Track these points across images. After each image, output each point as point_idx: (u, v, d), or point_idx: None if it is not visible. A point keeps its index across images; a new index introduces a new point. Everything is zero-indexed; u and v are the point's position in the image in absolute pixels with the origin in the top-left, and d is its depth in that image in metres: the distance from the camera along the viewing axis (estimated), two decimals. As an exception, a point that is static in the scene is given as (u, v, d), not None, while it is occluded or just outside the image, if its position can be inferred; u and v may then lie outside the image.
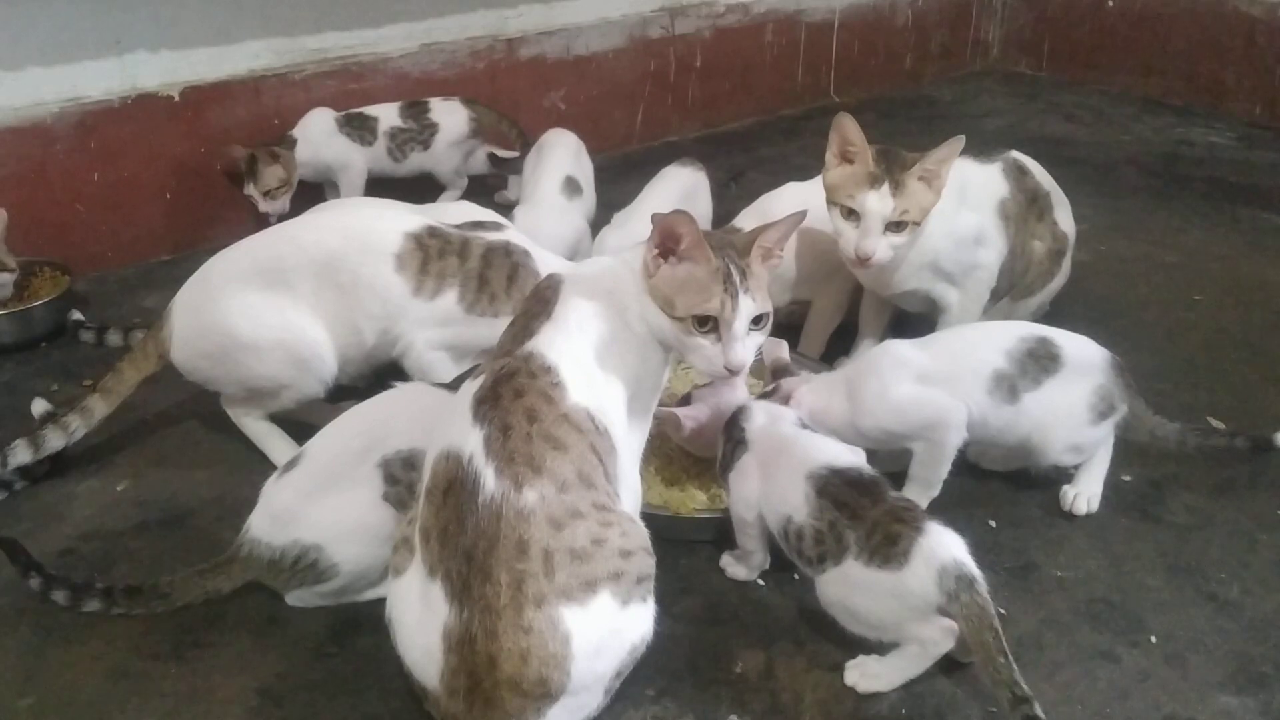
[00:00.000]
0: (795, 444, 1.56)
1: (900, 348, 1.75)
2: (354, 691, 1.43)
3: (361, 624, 1.53)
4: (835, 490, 1.46)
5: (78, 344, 2.29)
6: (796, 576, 1.61)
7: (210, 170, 2.70)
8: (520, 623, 1.21)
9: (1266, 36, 3.64)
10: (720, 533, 1.67)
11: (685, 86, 3.60)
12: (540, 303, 1.41)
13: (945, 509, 1.68)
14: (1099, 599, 1.59)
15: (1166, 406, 1.90)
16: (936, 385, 1.68)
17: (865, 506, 1.43)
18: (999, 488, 1.80)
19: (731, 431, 1.63)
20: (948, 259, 1.99)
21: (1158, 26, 3.92)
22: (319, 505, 1.49)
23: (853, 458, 1.54)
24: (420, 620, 1.28)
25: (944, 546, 1.37)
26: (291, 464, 1.55)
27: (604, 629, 1.26)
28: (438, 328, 1.83)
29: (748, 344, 1.38)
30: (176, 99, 2.66)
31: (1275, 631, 1.53)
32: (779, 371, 1.80)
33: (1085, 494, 1.76)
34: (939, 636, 1.37)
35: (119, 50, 2.57)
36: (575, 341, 1.36)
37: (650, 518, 1.44)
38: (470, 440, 1.27)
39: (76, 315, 2.34)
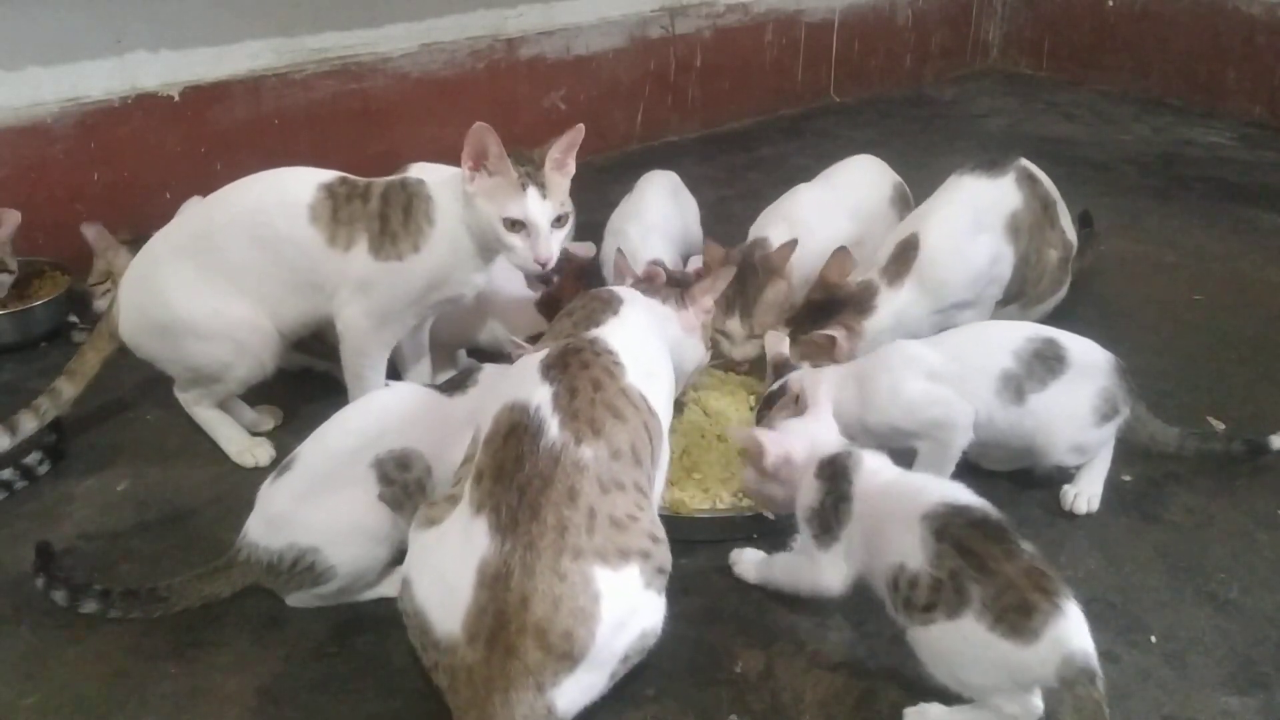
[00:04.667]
0: (901, 485, 1.42)
1: (911, 346, 1.76)
2: (354, 691, 1.43)
3: (361, 624, 1.53)
4: (958, 533, 1.28)
5: (73, 345, 2.29)
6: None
7: (211, 170, 2.70)
8: (557, 567, 1.23)
9: (1266, 36, 3.64)
10: (720, 533, 1.68)
11: (685, 86, 3.60)
12: (604, 303, 1.57)
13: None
14: (1099, 599, 1.58)
15: (1166, 406, 1.90)
16: (946, 384, 1.69)
17: (996, 558, 1.25)
18: (999, 488, 1.79)
19: (836, 484, 1.43)
20: (974, 293, 2.04)
21: (1158, 26, 3.92)
22: (314, 507, 1.49)
23: (970, 493, 1.37)
24: (453, 559, 1.27)
25: (1078, 634, 1.21)
26: (285, 466, 1.54)
27: (628, 602, 1.28)
28: (360, 293, 1.79)
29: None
30: (176, 99, 2.67)
31: (1275, 631, 1.53)
32: (779, 367, 1.80)
33: (1085, 494, 1.76)
34: (1021, 714, 1.28)
35: (119, 50, 2.57)
36: (634, 338, 1.51)
37: (651, 518, 1.44)
38: (538, 394, 1.34)
39: (72, 318, 2.34)
